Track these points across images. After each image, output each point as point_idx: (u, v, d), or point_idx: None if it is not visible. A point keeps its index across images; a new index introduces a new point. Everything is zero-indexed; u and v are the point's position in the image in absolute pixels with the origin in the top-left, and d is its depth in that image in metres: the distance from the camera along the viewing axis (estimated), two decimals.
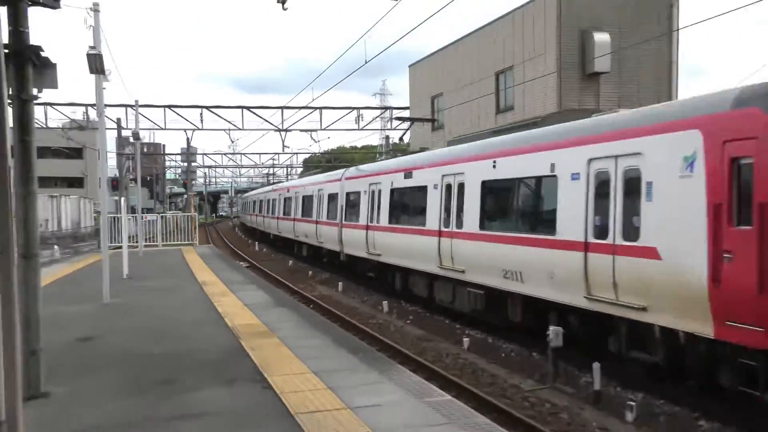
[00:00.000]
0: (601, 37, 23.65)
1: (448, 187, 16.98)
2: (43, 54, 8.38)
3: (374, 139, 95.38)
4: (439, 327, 17.16)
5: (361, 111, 44.79)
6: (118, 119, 41.53)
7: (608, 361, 11.33)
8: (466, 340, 15.05)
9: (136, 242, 31.71)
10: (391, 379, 8.48)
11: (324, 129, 44.44)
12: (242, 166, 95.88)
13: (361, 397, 7.66)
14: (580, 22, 23.96)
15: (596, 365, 10.92)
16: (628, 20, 24.35)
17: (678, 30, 24.89)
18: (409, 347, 14.71)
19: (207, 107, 42.20)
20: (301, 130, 46.91)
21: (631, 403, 10.19)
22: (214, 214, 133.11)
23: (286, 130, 45.09)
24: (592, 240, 11.26)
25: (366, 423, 6.77)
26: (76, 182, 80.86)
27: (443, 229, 16.97)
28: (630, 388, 11.25)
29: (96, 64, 14.88)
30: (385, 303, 20.35)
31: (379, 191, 21.30)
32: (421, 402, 7.47)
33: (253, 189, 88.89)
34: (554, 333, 11.69)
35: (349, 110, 44.15)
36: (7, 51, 7.43)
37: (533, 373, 12.70)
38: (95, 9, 15.51)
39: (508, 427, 9.07)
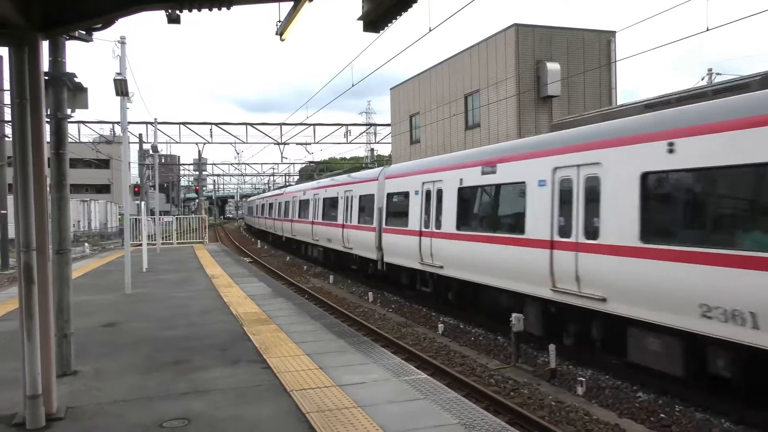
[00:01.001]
0: (553, 66, 23.77)
1: None
2: (76, 79, 8.35)
3: (360, 152, 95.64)
4: (417, 314, 17.12)
5: (349, 127, 44.90)
6: (140, 134, 41.34)
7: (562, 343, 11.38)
8: (440, 326, 15.01)
9: (155, 240, 31.45)
10: (375, 360, 8.43)
11: (317, 142, 44.41)
12: (246, 175, 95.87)
13: (348, 376, 7.60)
14: (535, 54, 24.08)
15: (552, 347, 10.94)
16: (575, 52, 24.53)
17: (615, 61, 25.12)
18: (390, 332, 14.67)
19: (216, 124, 41.98)
20: (297, 144, 47.04)
21: (582, 378, 10.23)
22: (222, 216, 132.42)
23: (284, 144, 44.96)
24: None
25: (352, 398, 6.72)
26: (103, 188, 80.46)
27: None
28: (581, 366, 11.28)
29: (121, 87, 14.83)
30: (370, 293, 20.28)
31: None
32: (400, 380, 7.43)
33: (255, 194, 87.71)
34: (516, 319, 11.69)
35: (338, 127, 44.21)
36: (46, 77, 7.38)
37: (498, 354, 12.70)
38: (122, 41, 15.46)
39: (477, 401, 9.07)
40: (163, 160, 70.29)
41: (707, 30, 12.37)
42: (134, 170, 48.10)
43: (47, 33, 6.33)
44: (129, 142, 18.38)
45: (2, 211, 30.30)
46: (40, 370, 5.98)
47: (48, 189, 6.56)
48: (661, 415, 8.98)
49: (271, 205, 44.53)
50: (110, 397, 6.89)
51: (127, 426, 5.99)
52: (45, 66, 6.64)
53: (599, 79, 24.91)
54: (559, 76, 23.60)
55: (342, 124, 44.22)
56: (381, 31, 6.90)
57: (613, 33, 25.22)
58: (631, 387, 10.12)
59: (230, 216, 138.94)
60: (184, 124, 41.38)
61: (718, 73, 26.31)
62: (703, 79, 29.28)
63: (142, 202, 28.33)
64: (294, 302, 13.79)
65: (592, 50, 24.80)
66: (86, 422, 6.12)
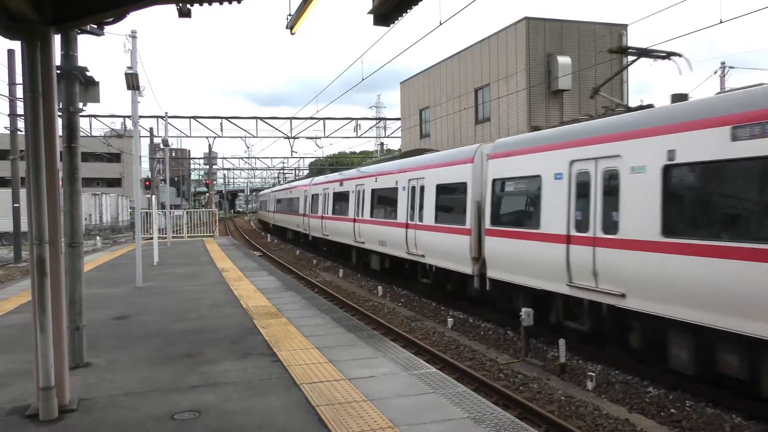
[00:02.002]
0: (564, 60, 23.69)
1: None
2: (88, 73, 8.39)
3: (370, 146, 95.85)
4: (427, 308, 17.13)
5: (359, 121, 44.90)
6: (151, 128, 41.80)
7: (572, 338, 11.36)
8: (450, 320, 15.02)
9: (165, 234, 31.60)
10: (384, 354, 8.45)
11: (327, 136, 44.57)
12: (256, 169, 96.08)
13: (358, 370, 7.63)
14: (546, 47, 23.99)
15: (562, 341, 10.93)
16: (586, 46, 24.42)
17: (627, 54, 24.98)
18: (399, 326, 14.68)
19: (226, 118, 42.09)
20: (307, 138, 47.27)
21: (591, 373, 10.21)
22: (232, 210, 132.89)
23: (294, 138, 45.05)
24: None
25: (361, 391, 6.74)
26: (114, 182, 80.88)
27: None
28: (590, 361, 11.26)
29: (132, 81, 14.86)
30: (379, 287, 20.30)
31: None
32: (410, 374, 7.45)
33: (265, 188, 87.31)
34: (526, 313, 11.67)
35: (348, 121, 44.21)
36: (59, 71, 7.42)
37: (508, 348, 12.69)
38: (133, 35, 15.50)
39: (486, 396, 9.09)
40: (173, 154, 70.51)
41: (720, 22, 12.28)
42: (145, 164, 48.42)
43: (59, 27, 6.36)
44: (140, 136, 18.45)
45: (15, 205, 30.55)
46: (52, 363, 6.03)
47: (60, 182, 6.60)
48: (672, 410, 8.96)
49: (348, 195, 25.07)
50: (122, 389, 6.94)
51: (139, 418, 6.04)
52: (57, 60, 6.68)
53: (610, 73, 24.78)
54: (570, 70, 23.52)
55: (352, 118, 44.26)
56: (391, 25, 6.91)
57: (624, 26, 25.09)
58: (642, 382, 10.09)
59: (240, 210, 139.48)
60: (194, 118, 41.53)
61: (731, 67, 26.06)
62: (716, 73, 29.08)
63: (153, 196, 28.46)
64: (304, 296, 13.83)
65: (604, 43, 24.67)
66: (98, 414, 6.17)
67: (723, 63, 28.58)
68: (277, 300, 13.06)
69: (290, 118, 43.55)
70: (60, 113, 7.38)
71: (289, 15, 9.30)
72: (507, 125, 24.87)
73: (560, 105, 24.11)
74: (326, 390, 6.81)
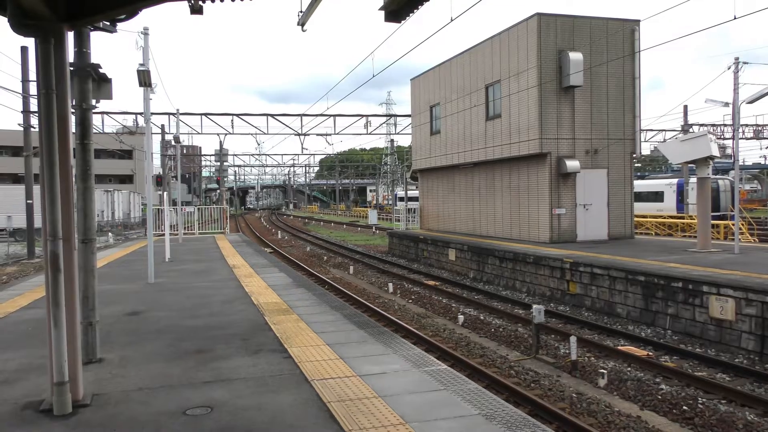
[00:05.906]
0: (576, 56, 23.55)
1: None
2: (101, 70, 8.42)
3: (381, 142, 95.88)
4: (437, 305, 17.13)
5: (369, 118, 44.86)
6: (162, 125, 41.82)
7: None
8: (460, 317, 15.01)
9: (177, 230, 31.72)
10: (395, 350, 8.45)
11: (337, 133, 44.49)
12: (267, 165, 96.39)
13: (368, 366, 7.63)
14: (557, 43, 23.87)
15: (573, 338, 10.92)
16: (598, 42, 24.29)
17: (639, 51, 24.84)
18: (410, 323, 14.69)
19: (237, 115, 42.16)
20: (318, 135, 47.29)
21: (603, 370, 10.18)
22: (242, 207, 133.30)
23: (305, 135, 45.08)
24: None
25: (372, 388, 6.75)
26: (126, 179, 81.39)
27: None
28: (602, 358, 11.24)
29: (144, 78, 14.91)
30: (390, 284, 20.31)
31: None
32: (420, 371, 7.45)
33: (270, 185, 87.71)
34: (537, 311, 11.66)
35: (358, 117, 44.20)
36: (72, 68, 7.46)
37: (518, 345, 12.67)
38: (145, 32, 15.53)
39: (497, 393, 9.08)
40: (185, 151, 70.78)
41: (734, 18, 12.18)
42: (156, 161, 48.64)
43: (73, 24, 6.39)
44: (152, 133, 18.51)
45: (29, 201, 30.79)
46: (66, 358, 6.07)
47: (73, 179, 6.63)
48: (684, 407, 8.92)
49: None
50: (135, 385, 6.98)
51: (152, 413, 6.07)
52: (70, 57, 6.71)
53: (623, 69, 24.66)
54: (581, 66, 23.39)
55: (362, 115, 44.22)
56: (402, 21, 6.89)
57: (637, 22, 24.94)
58: (654, 379, 10.06)
59: (251, 207, 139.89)
60: (205, 115, 41.65)
61: (745, 62, 25.80)
62: (729, 68, 28.79)
63: (165, 193, 28.59)
64: (314, 293, 13.84)
65: (616, 39, 24.55)
66: (112, 409, 6.21)
67: (737, 58, 28.27)
68: (287, 296, 13.08)
69: (301, 115, 43.58)
70: (73, 110, 7.43)
71: (301, 12, 9.32)
72: (518, 122, 24.79)
73: (571, 101, 24.00)
74: (337, 386, 6.82)
